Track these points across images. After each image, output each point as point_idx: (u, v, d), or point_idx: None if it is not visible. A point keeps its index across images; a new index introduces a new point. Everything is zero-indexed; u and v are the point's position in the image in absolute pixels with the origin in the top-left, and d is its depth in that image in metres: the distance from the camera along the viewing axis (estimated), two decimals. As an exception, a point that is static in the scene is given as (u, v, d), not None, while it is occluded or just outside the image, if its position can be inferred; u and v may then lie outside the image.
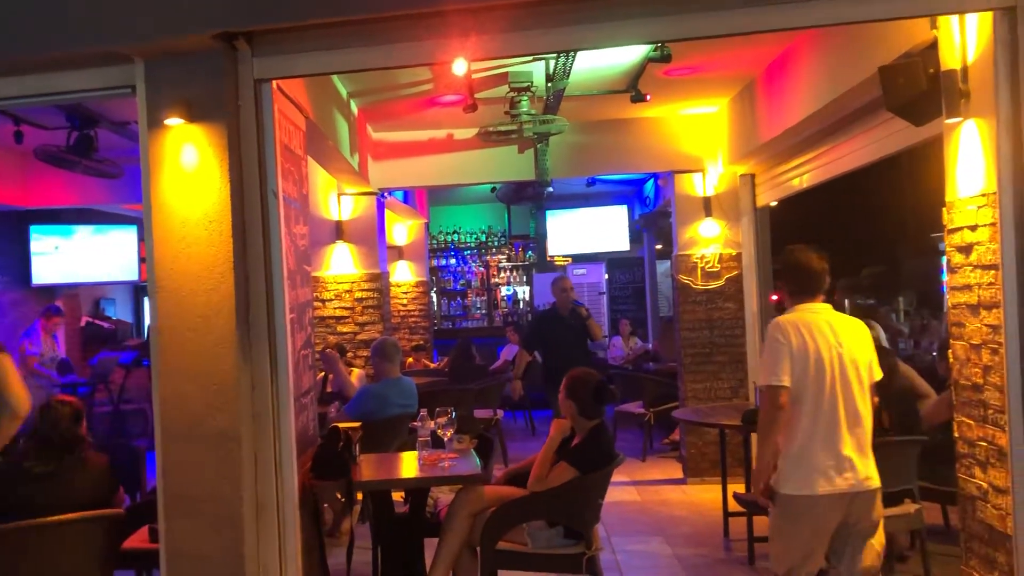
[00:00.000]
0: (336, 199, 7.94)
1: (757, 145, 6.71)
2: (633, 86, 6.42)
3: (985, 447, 3.53)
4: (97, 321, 11.91)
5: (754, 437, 4.29)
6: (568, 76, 5.95)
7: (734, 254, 7.84)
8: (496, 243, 14.90)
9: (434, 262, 14.46)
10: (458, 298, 14.89)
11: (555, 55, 5.55)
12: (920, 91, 3.70)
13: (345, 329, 8.02)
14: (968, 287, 3.61)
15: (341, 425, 4.41)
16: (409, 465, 4.73)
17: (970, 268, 3.58)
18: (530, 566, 4.52)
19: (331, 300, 8.02)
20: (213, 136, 3.56)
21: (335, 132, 5.91)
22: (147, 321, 11.92)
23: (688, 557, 5.72)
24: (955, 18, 3.58)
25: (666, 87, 6.66)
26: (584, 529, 4.39)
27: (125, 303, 13.86)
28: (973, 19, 3.50)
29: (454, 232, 14.82)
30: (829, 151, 6.22)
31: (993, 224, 3.39)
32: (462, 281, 14.91)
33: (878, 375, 3.70)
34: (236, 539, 3.52)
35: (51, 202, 8.80)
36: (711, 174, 7.90)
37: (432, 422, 4.72)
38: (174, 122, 3.55)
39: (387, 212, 9.35)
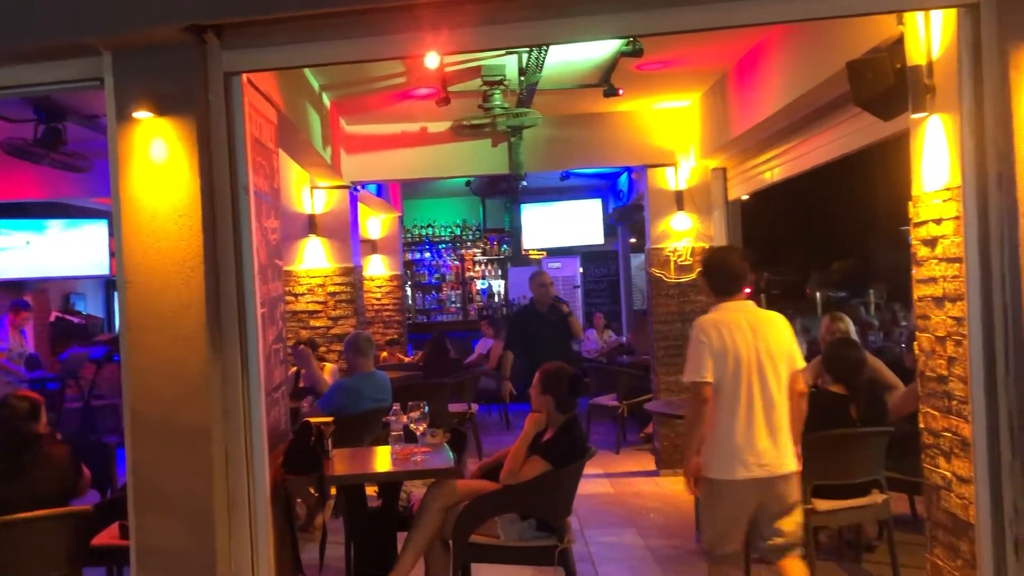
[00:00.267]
0: (309, 193, 7.90)
1: (729, 139, 6.76)
2: (606, 80, 6.44)
3: (949, 438, 3.59)
4: (67, 316, 11.80)
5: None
6: (541, 70, 5.96)
7: (706, 247, 7.89)
8: (471, 237, 14.85)
9: (408, 256, 14.40)
10: (433, 292, 14.83)
11: (527, 49, 5.56)
12: (887, 86, 3.72)
13: (318, 324, 7.99)
14: (933, 280, 3.66)
15: (313, 420, 4.40)
16: (382, 459, 4.74)
17: (935, 261, 3.63)
18: (503, 559, 4.55)
19: (304, 294, 7.98)
20: (182, 130, 3.53)
21: (307, 125, 5.88)
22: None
23: (660, 548, 5.76)
24: (921, 14, 3.63)
25: (638, 81, 6.68)
26: (556, 522, 4.41)
27: (96, 298, 13.72)
28: (938, 15, 3.54)
29: (428, 226, 14.76)
30: (799, 145, 6.27)
31: (957, 218, 3.44)
32: (437, 275, 14.86)
33: (799, 364, 3.97)
34: (207, 535, 3.50)
35: (19, 196, 8.66)
36: (683, 168, 7.93)
37: (405, 416, 4.71)
38: (143, 115, 3.51)
39: (360, 206, 9.32)
